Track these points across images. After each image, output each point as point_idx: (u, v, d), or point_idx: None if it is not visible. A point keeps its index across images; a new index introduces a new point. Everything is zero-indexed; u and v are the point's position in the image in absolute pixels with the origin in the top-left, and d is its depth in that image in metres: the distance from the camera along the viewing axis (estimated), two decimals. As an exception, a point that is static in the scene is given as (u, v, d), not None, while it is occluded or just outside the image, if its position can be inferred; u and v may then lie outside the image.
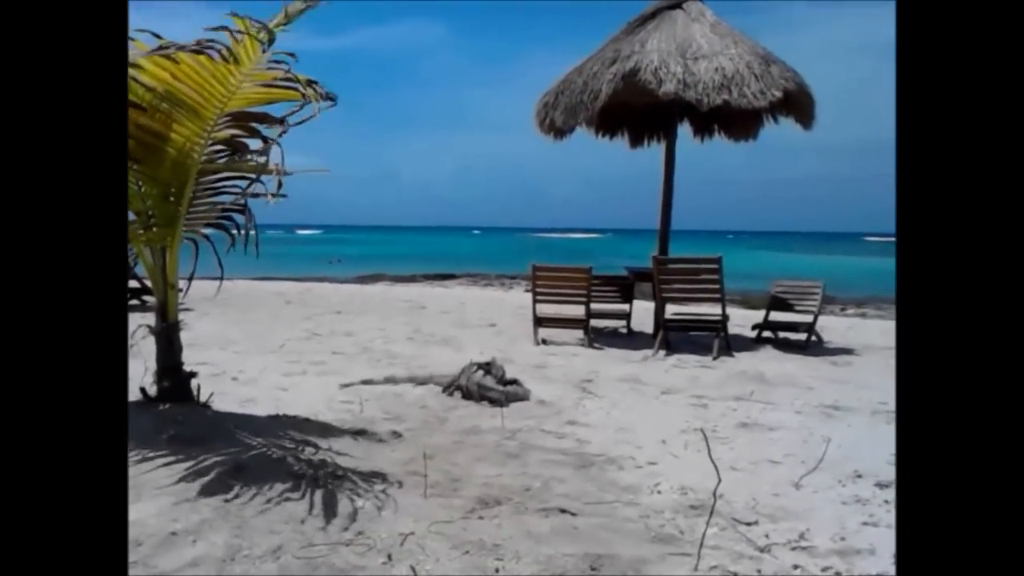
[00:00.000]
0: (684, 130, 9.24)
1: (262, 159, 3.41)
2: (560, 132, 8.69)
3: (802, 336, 7.89)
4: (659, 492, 3.27)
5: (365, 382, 5.56)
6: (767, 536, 2.81)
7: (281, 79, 3.17)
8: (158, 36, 3.27)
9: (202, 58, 3.04)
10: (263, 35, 3.14)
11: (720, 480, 2.95)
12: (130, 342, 3.98)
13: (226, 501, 2.78)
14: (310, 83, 3.10)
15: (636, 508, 3.05)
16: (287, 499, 2.84)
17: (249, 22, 3.14)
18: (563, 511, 2.94)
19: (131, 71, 3.02)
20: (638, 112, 9.20)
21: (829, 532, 2.86)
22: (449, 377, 5.36)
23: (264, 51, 3.13)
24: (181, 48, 2.92)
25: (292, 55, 3.19)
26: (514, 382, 5.24)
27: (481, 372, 5.19)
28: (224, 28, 3.09)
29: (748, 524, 2.92)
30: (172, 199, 3.69)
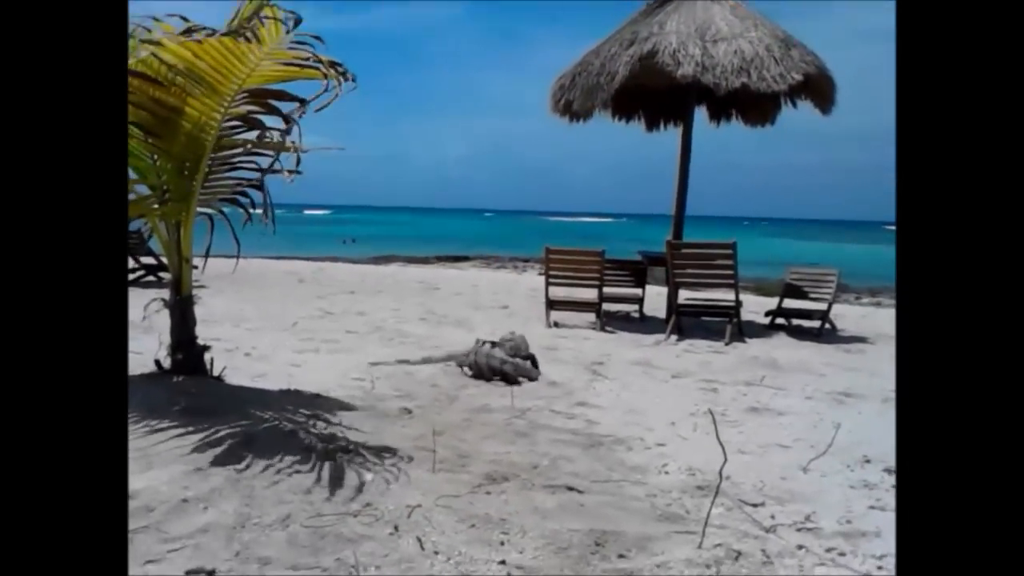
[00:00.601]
0: (700, 114, 9.16)
1: (283, 138, 3.41)
2: (576, 115, 8.62)
3: (816, 324, 7.84)
4: (666, 473, 3.28)
5: (401, 362, 5.55)
6: (773, 517, 2.81)
7: (303, 59, 3.16)
8: (186, 19, 3.29)
9: (225, 38, 3.04)
10: (290, 20, 3.15)
11: (726, 459, 2.95)
12: (144, 315, 4.04)
13: (237, 471, 2.82)
14: (333, 64, 3.08)
15: (643, 487, 3.06)
16: (297, 471, 2.88)
17: (278, 9, 3.17)
18: (570, 488, 2.96)
19: (153, 48, 3.04)
20: (655, 95, 9.10)
21: (835, 515, 2.85)
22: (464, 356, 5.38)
23: (288, 32, 3.13)
24: (212, 34, 2.94)
25: (318, 38, 3.18)
26: (530, 357, 5.25)
27: (488, 345, 5.20)
28: (258, 18, 3.11)
29: (755, 505, 2.92)
30: (187, 173, 3.71)
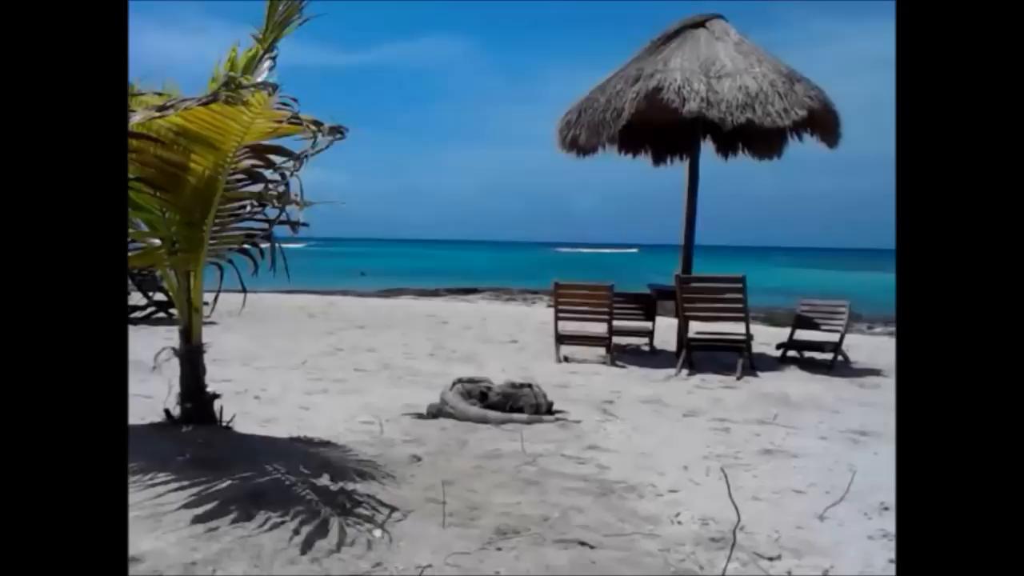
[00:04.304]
0: (708, 147, 9.20)
1: (279, 189, 3.54)
2: (583, 150, 8.70)
3: (828, 356, 7.78)
4: (680, 523, 3.23)
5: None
6: (790, 573, 2.75)
7: (288, 119, 3.31)
8: (160, 94, 3.46)
9: (214, 104, 3.17)
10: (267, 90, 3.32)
11: (740, 519, 2.91)
12: (154, 363, 4.05)
13: (245, 529, 2.79)
14: (315, 123, 3.27)
15: (656, 540, 3.00)
16: (306, 527, 2.84)
17: (252, 78, 3.40)
18: (582, 543, 2.90)
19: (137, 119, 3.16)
20: (661, 130, 9.17)
21: (855, 569, 2.79)
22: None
23: (270, 94, 3.27)
24: (184, 104, 3.06)
25: (294, 99, 3.36)
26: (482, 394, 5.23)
27: (459, 396, 5.20)
28: (237, 84, 3.29)
29: (770, 559, 2.86)
30: (195, 225, 3.75)
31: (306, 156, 3.44)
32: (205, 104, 3.01)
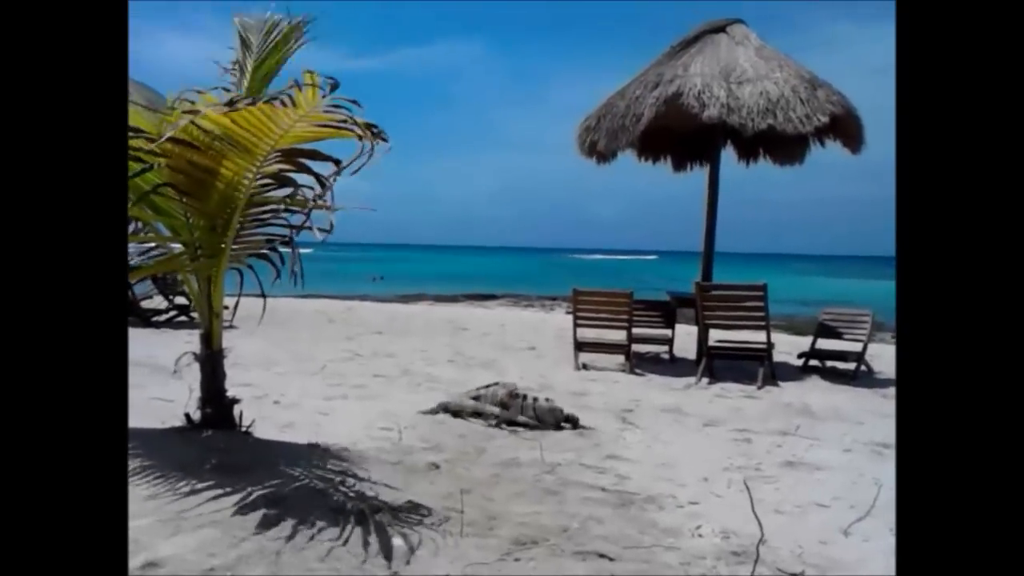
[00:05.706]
0: (729, 153, 9.13)
1: (317, 193, 3.39)
2: (602, 156, 8.68)
3: (851, 366, 7.66)
4: (700, 536, 3.18)
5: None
6: (814, 589, 2.70)
7: (338, 122, 3.18)
8: (227, 90, 3.39)
9: (264, 105, 3.10)
10: (328, 85, 3.20)
11: (763, 535, 2.86)
12: (175, 368, 4.08)
13: (264, 536, 2.79)
14: (369, 127, 3.09)
15: (676, 553, 2.96)
16: (324, 535, 2.84)
17: (318, 76, 3.22)
18: (601, 555, 2.87)
19: (192, 117, 3.12)
20: (681, 136, 9.11)
21: (880, 586, 2.73)
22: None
23: (324, 96, 3.16)
24: (252, 103, 3.01)
25: (355, 102, 3.16)
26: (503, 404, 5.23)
27: (477, 402, 5.29)
28: (296, 85, 3.15)
29: (793, 574, 2.81)
30: (218, 230, 3.77)
31: (358, 167, 3.26)
32: (267, 102, 2.98)
